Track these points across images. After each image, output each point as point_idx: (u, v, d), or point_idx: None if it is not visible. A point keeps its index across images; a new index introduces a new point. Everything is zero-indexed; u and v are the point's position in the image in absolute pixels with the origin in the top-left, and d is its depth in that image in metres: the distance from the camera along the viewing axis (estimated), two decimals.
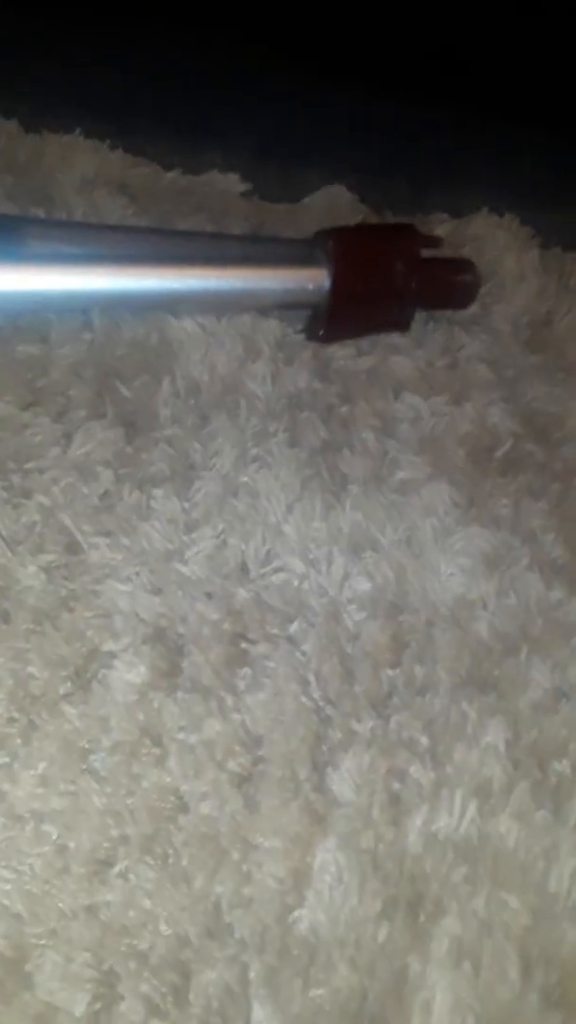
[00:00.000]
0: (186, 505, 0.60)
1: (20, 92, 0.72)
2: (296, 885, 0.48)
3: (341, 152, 0.84)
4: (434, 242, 0.74)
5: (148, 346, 0.66)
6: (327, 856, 0.49)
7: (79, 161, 0.72)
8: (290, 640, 0.56)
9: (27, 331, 0.63)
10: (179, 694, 0.53)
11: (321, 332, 0.70)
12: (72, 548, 0.56)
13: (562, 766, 0.53)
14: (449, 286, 0.74)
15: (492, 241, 0.82)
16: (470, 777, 0.52)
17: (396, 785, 0.52)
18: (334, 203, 0.81)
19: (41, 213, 0.68)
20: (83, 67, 0.76)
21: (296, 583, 0.59)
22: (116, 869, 0.47)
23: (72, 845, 0.47)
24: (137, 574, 0.56)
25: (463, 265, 0.75)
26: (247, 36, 0.84)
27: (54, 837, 0.47)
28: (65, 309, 0.64)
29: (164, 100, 0.79)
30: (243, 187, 0.78)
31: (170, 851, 0.48)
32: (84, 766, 0.50)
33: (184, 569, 0.57)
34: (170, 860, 0.48)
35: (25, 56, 0.74)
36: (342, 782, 0.52)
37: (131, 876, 0.47)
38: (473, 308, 0.77)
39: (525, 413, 0.72)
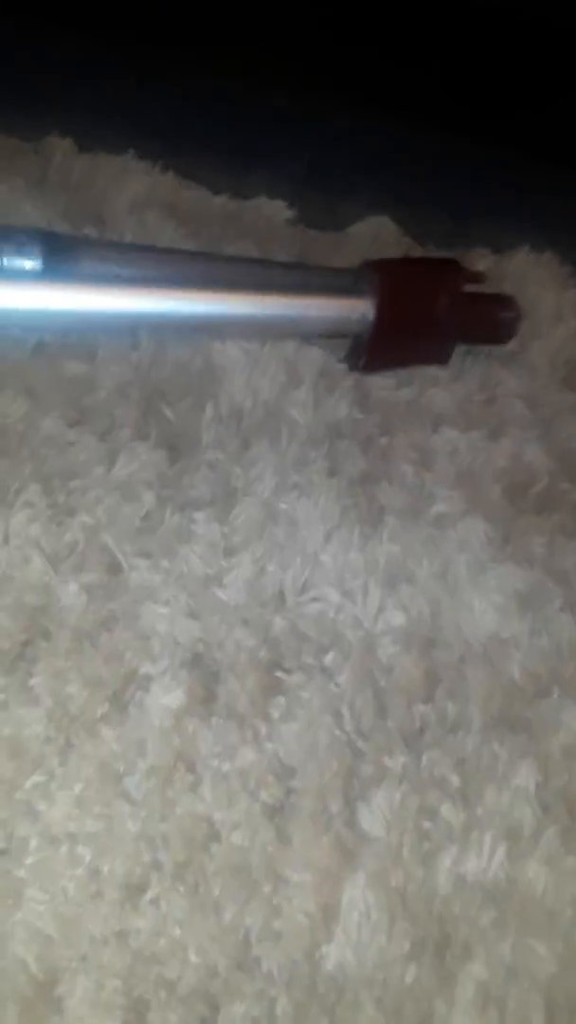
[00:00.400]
0: (226, 530, 0.60)
1: (76, 112, 0.73)
2: (325, 921, 0.48)
3: (385, 183, 0.85)
4: (477, 278, 0.74)
5: (193, 369, 0.66)
6: (356, 893, 0.49)
7: (131, 182, 0.73)
8: (324, 671, 0.56)
9: (75, 349, 0.64)
10: (214, 720, 0.53)
11: (363, 362, 0.70)
12: (113, 568, 0.57)
13: None
14: (490, 322, 0.75)
15: (532, 278, 0.82)
16: (500, 819, 0.52)
17: (426, 824, 0.52)
18: (378, 234, 0.81)
19: (93, 232, 0.68)
20: (137, 91, 0.77)
21: (332, 613, 0.59)
22: (148, 896, 0.47)
23: (105, 869, 0.47)
24: (176, 597, 0.56)
25: (505, 301, 0.75)
26: (298, 67, 0.85)
27: (88, 860, 0.47)
28: (113, 329, 0.65)
29: (214, 125, 0.80)
30: (289, 214, 0.79)
31: (201, 880, 0.48)
32: (119, 789, 0.50)
33: (222, 594, 0.58)
34: (201, 889, 0.48)
35: (83, 78, 0.75)
36: (373, 818, 0.52)
37: (162, 903, 0.47)
38: (512, 344, 0.77)
39: (561, 451, 0.72)
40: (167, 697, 0.53)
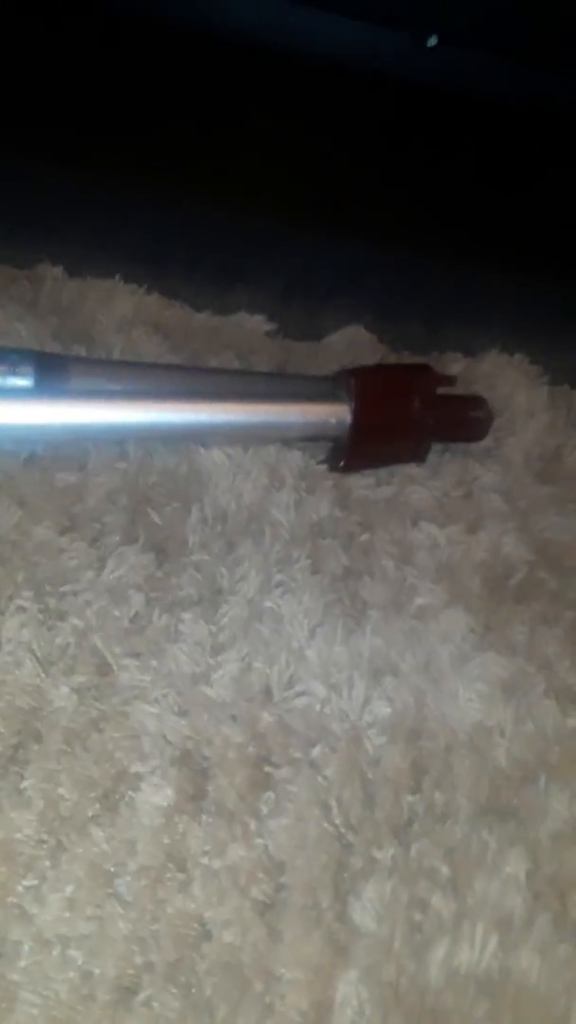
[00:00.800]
0: (213, 629, 0.62)
1: (66, 240, 0.78)
2: (318, 1019, 0.48)
3: (360, 295, 0.90)
4: (448, 380, 0.78)
5: (179, 475, 0.69)
6: (349, 989, 0.49)
7: (118, 303, 0.77)
8: (312, 764, 0.57)
9: (66, 460, 0.67)
10: (204, 818, 0.54)
11: (342, 463, 0.73)
12: (103, 669, 0.58)
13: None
14: (463, 421, 0.78)
15: (503, 379, 0.86)
16: (491, 909, 0.53)
17: (418, 916, 0.52)
18: (353, 342, 0.86)
19: (83, 351, 0.72)
20: (123, 219, 0.82)
21: (318, 707, 0.60)
22: (140, 997, 0.47)
23: (97, 971, 0.47)
24: (165, 696, 0.58)
25: (476, 402, 0.79)
26: (274, 190, 0.91)
27: (80, 962, 0.47)
28: (102, 440, 0.68)
29: (196, 248, 0.85)
30: (268, 327, 0.83)
31: (193, 980, 0.48)
32: (110, 890, 0.50)
33: (210, 691, 0.59)
34: (193, 989, 0.48)
35: (72, 209, 0.80)
36: (364, 912, 0.52)
37: (155, 1004, 0.47)
38: (487, 441, 0.81)
39: (538, 542, 0.75)
40: (157, 796, 0.54)
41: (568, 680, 0.65)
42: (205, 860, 0.52)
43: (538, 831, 0.56)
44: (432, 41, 0.87)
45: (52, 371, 0.66)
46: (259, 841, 0.53)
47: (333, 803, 0.56)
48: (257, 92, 0.93)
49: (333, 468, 0.74)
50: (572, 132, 0.93)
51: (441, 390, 0.77)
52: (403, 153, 1.02)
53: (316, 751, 0.58)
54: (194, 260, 0.83)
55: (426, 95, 0.91)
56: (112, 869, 0.51)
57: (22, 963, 0.47)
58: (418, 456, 0.77)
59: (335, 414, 0.73)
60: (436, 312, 0.90)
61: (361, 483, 0.75)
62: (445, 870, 0.54)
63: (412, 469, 0.77)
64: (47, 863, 0.50)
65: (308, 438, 0.74)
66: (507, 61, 0.91)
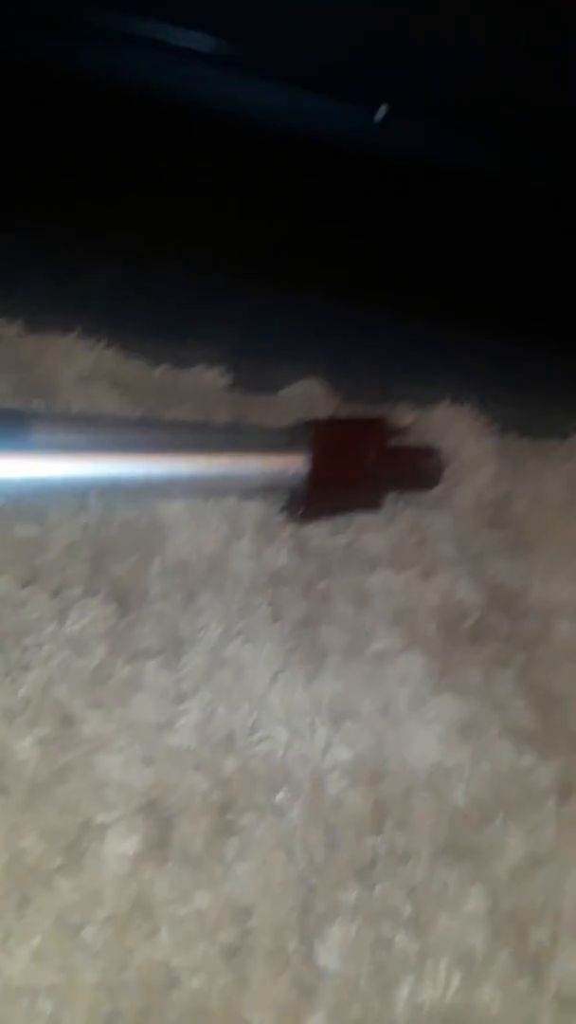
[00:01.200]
0: (175, 678, 0.63)
1: (25, 297, 0.80)
2: None
3: (314, 348, 0.93)
4: (401, 432, 0.81)
5: (139, 527, 0.70)
6: None
7: (77, 358, 0.79)
8: (276, 809, 0.58)
9: (27, 512, 0.68)
10: (169, 865, 0.54)
11: (300, 512, 0.75)
12: (66, 721, 0.59)
13: (541, 933, 0.55)
14: (415, 471, 0.81)
15: (454, 429, 0.89)
16: (453, 946, 0.54)
17: (382, 955, 0.53)
18: (309, 395, 0.88)
19: (43, 406, 0.74)
20: (81, 275, 0.84)
21: (280, 753, 0.61)
22: None
23: (66, 1021, 0.47)
24: (129, 745, 0.59)
25: (427, 452, 0.82)
26: (228, 248, 0.94)
27: (49, 1012, 0.47)
28: (63, 493, 0.69)
29: (153, 304, 0.88)
30: (225, 380, 0.85)
31: None
32: (77, 940, 0.50)
33: (174, 740, 0.60)
34: None
35: (30, 265, 0.82)
36: (329, 953, 0.53)
37: None
38: (439, 489, 0.83)
39: (490, 586, 0.77)
40: (122, 845, 0.54)
41: (521, 720, 0.67)
42: (172, 907, 0.52)
43: (497, 868, 0.58)
44: (381, 114, 0.91)
45: (11, 426, 0.67)
46: (225, 887, 0.54)
47: (297, 847, 0.57)
48: (211, 155, 0.96)
49: (291, 518, 0.76)
50: (510, 194, 0.97)
51: (394, 441, 0.80)
52: (355, 212, 1.06)
53: (279, 796, 0.59)
54: (152, 315, 0.85)
55: (375, 161, 0.95)
56: (79, 919, 0.51)
57: None
58: (373, 505, 0.79)
59: (293, 465, 0.75)
60: (388, 364, 0.93)
61: (319, 532, 0.77)
62: (408, 909, 0.55)
63: (368, 517, 0.79)
64: (12, 915, 0.50)
65: (267, 488, 0.76)
66: (452, 130, 0.95)
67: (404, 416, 0.88)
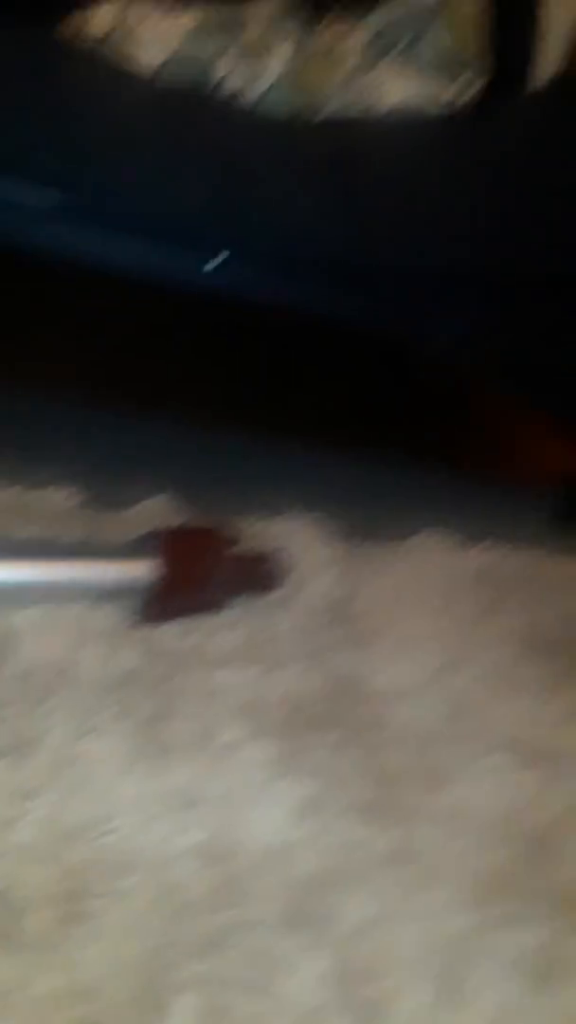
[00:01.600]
0: (22, 777, 0.65)
1: None
2: None
3: (165, 465, 0.99)
4: (243, 539, 0.87)
5: None
6: None
7: None
8: (124, 894, 0.60)
9: None
10: (19, 954, 0.55)
11: (150, 615, 0.80)
12: None
13: (385, 983, 0.57)
14: (255, 574, 0.87)
15: (301, 534, 0.96)
16: (300, 1009, 0.56)
17: (226, 1022, 0.54)
18: (159, 509, 0.94)
19: None
20: None
21: (129, 840, 0.63)
22: None
23: None
24: None
25: (265, 557, 0.89)
26: (77, 377, 1.02)
27: None
28: None
29: (4, 427, 0.93)
30: (77, 499, 0.90)
31: None
32: None
33: (17, 837, 0.61)
34: None
35: None
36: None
37: None
38: (286, 590, 0.89)
39: (333, 677, 0.82)
40: None
41: (363, 796, 0.71)
42: (18, 993, 0.53)
43: (338, 930, 0.60)
44: (215, 262, 0.97)
45: None
46: (73, 970, 0.55)
47: (145, 927, 0.58)
48: (62, 297, 1.05)
49: (142, 620, 0.80)
50: (338, 331, 1.07)
51: (236, 548, 0.86)
52: (204, 345, 1.16)
53: (128, 881, 0.61)
54: (3, 438, 0.90)
55: (215, 301, 1.04)
56: None
57: None
58: (220, 606, 0.84)
59: (142, 570, 0.80)
60: (237, 479, 1.01)
61: (169, 634, 0.81)
62: (253, 976, 0.56)
63: (217, 618, 0.84)
64: None
65: (117, 593, 0.80)
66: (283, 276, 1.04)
67: (250, 525, 0.94)
